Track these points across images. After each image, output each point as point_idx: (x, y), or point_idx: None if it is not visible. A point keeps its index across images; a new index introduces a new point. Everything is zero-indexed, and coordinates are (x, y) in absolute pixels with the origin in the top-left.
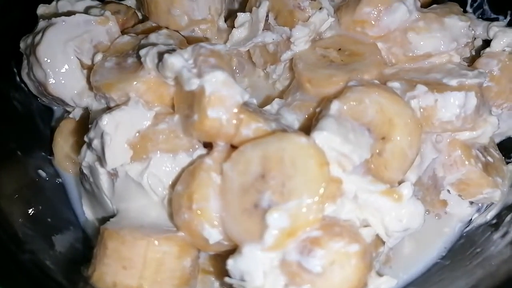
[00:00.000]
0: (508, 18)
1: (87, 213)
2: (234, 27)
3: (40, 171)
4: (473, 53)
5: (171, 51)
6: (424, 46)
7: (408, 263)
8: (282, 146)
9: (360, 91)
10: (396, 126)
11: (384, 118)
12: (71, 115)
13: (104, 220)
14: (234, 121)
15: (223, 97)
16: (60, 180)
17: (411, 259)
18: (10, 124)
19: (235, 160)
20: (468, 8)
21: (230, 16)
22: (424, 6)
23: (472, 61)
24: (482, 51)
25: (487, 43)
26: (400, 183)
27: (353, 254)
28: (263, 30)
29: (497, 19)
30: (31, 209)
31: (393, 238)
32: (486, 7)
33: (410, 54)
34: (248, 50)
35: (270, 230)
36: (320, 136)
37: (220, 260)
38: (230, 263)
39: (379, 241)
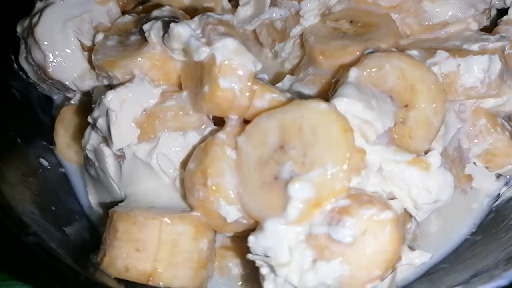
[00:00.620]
0: None
1: (93, 201)
2: (239, 5)
3: (42, 160)
4: (488, 23)
5: (176, 21)
6: (440, 14)
7: (436, 241)
8: (300, 114)
9: (380, 56)
10: (419, 92)
11: (406, 84)
12: (72, 101)
13: (112, 206)
14: (247, 93)
15: (235, 65)
16: (63, 169)
17: (439, 237)
18: (9, 113)
19: (250, 132)
20: None
21: None
22: None
23: (488, 31)
24: (499, 20)
25: (501, 13)
26: (426, 152)
27: (387, 222)
28: (269, 6)
29: None
30: (35, 197)
31: (422, 211)
32: None
33: (426, 23)
34: (254, 30)
35: (294, 202)
36: (341, 103)
37: (239, 242)
38: (252, 240)
39: (406, 216)
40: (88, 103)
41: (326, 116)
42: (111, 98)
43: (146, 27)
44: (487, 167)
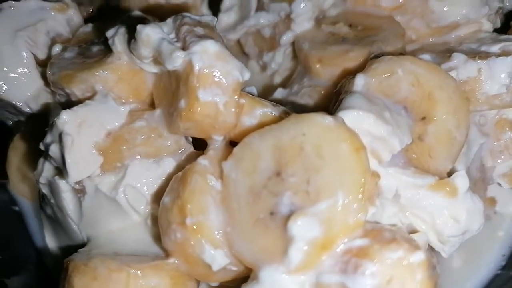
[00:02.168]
0: None
1: (51, 245)
2: (220, 12)
3: None
4: (499, 25)
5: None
6: (449, 14)
7: (460, 279)
8: (301, 131)
9: (390, 59)
10: (438, 101)
11: (423, 93)
12: (26, 127)
13: (71, 252)
14: (233, 108)
15: (218, 73)
16: (16, 207)
17: (464, 273)
18: None
19: (238, 156)
20: None
21: (214, 2)
22: None
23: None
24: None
25: (508, 17)
26: (449, 174)
27: (418, 266)
28: (255, 11)
29: None
30: None
31: (448, 245)
32: None
33: (434, 25)
34: (239, 41)
35: (296, 243)
36: (349, 115)
37: None
38: None
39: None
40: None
41: (334, 132)
42: (66, 119)
43: (109, 33)
44: None
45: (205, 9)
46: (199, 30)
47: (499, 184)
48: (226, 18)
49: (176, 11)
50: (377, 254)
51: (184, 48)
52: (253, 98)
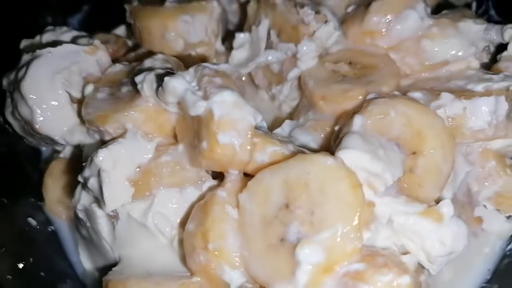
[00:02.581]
0: None
1: (85, 263)
2: (233, 49)
3: (30, 219)
4: (488, 59)
5: (170, 74)
6: (440, 53)
7: None
8: (306, 170)
9: (384, 103)
10: (427, 138)
11: (413, 131)
12: (61, 155)
13: (105, 269)
14: (249, 146)
15: (234, 119)
16: (52, 227)
17: (453, 286)
18: None
19: (252, 189)
20: None
21: (227, 37)
22: (433, 12)
23: (488, 68)
24: (498, 56)
25: (500, 48)
26: (437, 201)
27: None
28: (265, 49)
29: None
30: (21, 264)
31: (436, 264)
32: (492, 12)
33: (426, 63)
34: (249, 72)
35: (303, 266)
36: (348, 155)
37: None
38: None
39: (419, 267)
40: (79, 156)
41: (334, 172)
42: (103, 157)
43: (138, 79)
44: (498, 210)
45: (218, 45)
46: (218, 80)
47: (484, 206)
48: (238, 54)
49: (195, 50)
50: (370, 278)
51: (205, 98)
52: (265, 137)
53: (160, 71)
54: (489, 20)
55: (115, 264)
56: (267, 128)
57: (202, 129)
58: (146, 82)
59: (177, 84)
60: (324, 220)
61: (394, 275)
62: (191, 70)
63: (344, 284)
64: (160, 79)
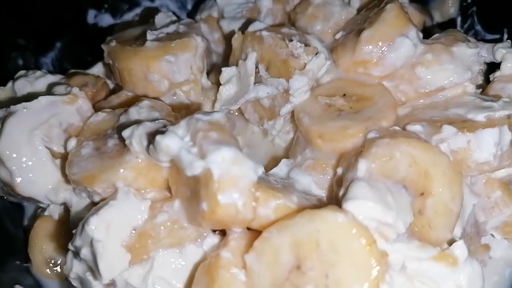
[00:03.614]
0: (506, 36)
1: None
2: (221, 84)
3: (17, 287)
4: (482, 80)
5: (161, 129)
6: (436, 80)
7: None
8: (315, 228)
9: (388, 144)
10: (433, 178)
11: (419, 171)
12: (46, 213)
13: None
14: (253, 203)
15: (235, 177)
16: None
17: None
18: None
19: (259, 250)
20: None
21: (212, 69)
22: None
23: (482, 87)
24: (491, 76)
25: (490, 67)
26: (449, 242)
27: None
28: (254, 84)
29: (492, 40)
30: None
31: None
32: (478, 27)
33: (422, 91)
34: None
35: None
36: (358, 208)
37: None
38: None
39: None
40: (65, 214)
41: (345, 229)
42: (95, 226)
43: (125, 134)
44: (506, 238)
45: (204, 80)
46: (213, 135)
47: (492, 235)
48: (226, 90)
49: (181, 89)
50: None
51: (201, 155)
52: (267, 191)
53: (149, 124)
54: (476, 35)
55: None
56: (265, 173)
57: (200, 189)
58: (135, 138)
59: (170, 143)
60: (340, 282)
61: None
62: (183, 123)
63: None
64: (150, 136)
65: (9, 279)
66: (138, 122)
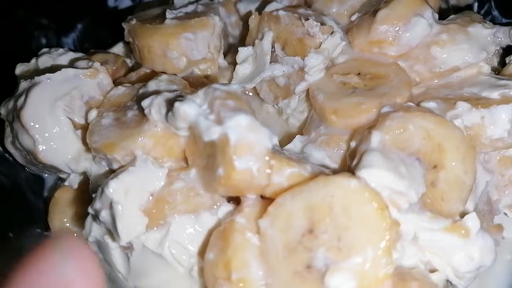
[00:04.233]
0: None
1: None
2: (237, 64)
3: None
4: (497, 63)
5: (179, 97)
6: (451, 60)
7: None
8: (329, 193)
9: (402, 117)
10: (447, 151)
11: (433, 144)
12: (66, 183)
13: None
14: (267, 170)
15: (251, 143)
16: None
17: None
18: None
19: (273, 215)
20: None
21: (228, 51)
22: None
23: (497, 71)
24: (507, 58)
25: (507, 50)
26: (461, 214)
27: None
28: (270, 63)
29: (509, 24)
30: None
31: (464, 280)
32: (495, 12)
33: (437, 70)
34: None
35: None
36: (370, 175)
37: None
38: None
39: (447, 285)
40: (85, 183)
41: (358, 194)
42: (114, 189)
43: (145, 103)
44: None
45: (221, 60)
46: (230, 103)
47: (505, 214)
48: (243, 69)
49: (198, 67)
50: None
51: (218, 122)
52: (281, 159)
53: (167, 94)
54: (493, 20)
55: None
56: (279, 147)
57: (217, 155)
58: (154, 107)
59: (188, 110)
60: (352, 245)
61: None
62: (201, 93)
63: None
64: (169, 104)
65: (29, 244)
66: (157, 93)
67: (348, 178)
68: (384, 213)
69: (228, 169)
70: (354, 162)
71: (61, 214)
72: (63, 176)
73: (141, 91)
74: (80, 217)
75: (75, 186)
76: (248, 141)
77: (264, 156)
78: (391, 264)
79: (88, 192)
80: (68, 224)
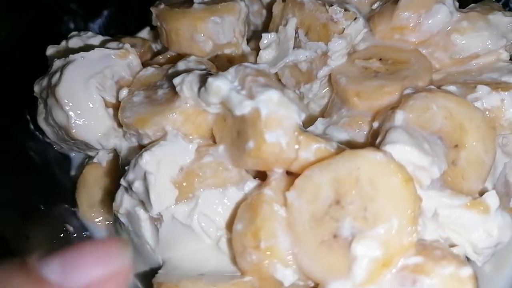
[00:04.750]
0: None
1: None
2: (260, 49)
3: (68, 226)
4: None
5: (211, 74)
6: (470, 47)
7: (491, 282)
8: (356, 166)
9: (425, 97)
10: (468, 131)
11: (455, 124)
12: (95, 160)
13: (145, 274)
14: (296, 145)
15: (281, 118)
16: (87, 233)
17: (493, 277)
18: (29, 177)
19: (301, 187)
20: None
21: (251, 39)
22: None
23: None
24: None
25: None
26: (480, 193)
27: (468, 280)
28: (293, 48)
29: None
30: None
31: (483, 256)
32: None
33: (457, 57)
34: (276, 72)
35: (360, 262)
36: (395, 150)
37: None
38: None
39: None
40: (113, 161)
41: (384, 166)
42: (147, 160)
43: (176, 81)
44: None
45: (244, 45)
46: (261, 79)
47: None
48: (266, 54)
49: (222, 51)
50: (432, 270)
51: (250, 97)
52: (309, 135)
53: (198, 71)
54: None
55: (157, 268)
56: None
57: (247, 129)
58: (185, 84)
59: (221, 84)
60: (378, 215)
61: (455, 267)
62: (232, 70)
63: (402, 278)
64: (201, 80)
65: (60, 219)
66: (187, 71)
67: (374, 151)
68: (409, 185)
69: (258, 141)
70: (378, 140)
71: (89, 190)
72: (91, 154)
73: (170, 70)
74: (108, 194)
75: (104, 164)
76: (278, 116)
77: (293, 131)
78: (416, 232)
79: (116, 169)
80: (95, 201)
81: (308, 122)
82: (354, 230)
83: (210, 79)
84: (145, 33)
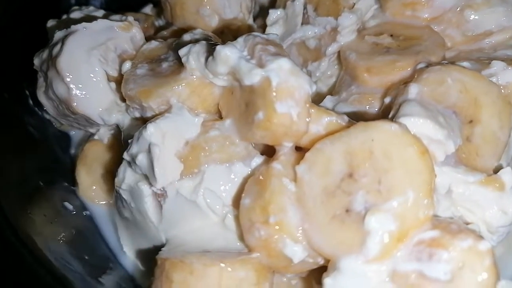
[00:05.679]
0: None
1: (126, 246)
2: (267, 26)
3: (67, 204)
4: None
5: (218, 44)
6: (484, 23)
7: (502, 264)
8: (369, 137)
9: (439, 70)
10: (483, 106)
11: (470, 98)
12: (96, 137)
13: (148, 252)
14: (307, 118)
15: (292, 87)
16: (87, 212)
17: (505, 259)
18: (28, 153)
19: (312, 160)
20: None
21: (257, 17)
22: None
23: None
24: None
25: None
26: (495, 171)
27: (486, 253)
28: (301, 24)
29: None
30: (67, 247)
31: (497, 235)
32: None
33: (470, 34)
34: None
35: (374, 236)
36: (410, 123)
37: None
38: (328, 282)
39: None
40: (115, 138)
41: (400, 137)
42: (152, 131)
43: (182, 51)
44: None
45: (251, 22)
46: (271, 48)
47: None
48: (273, 31)
49: (228, 27)
50: (449, 244)
51: (260, 65)
52: (320, 108)
53: (205, 42)
54: None
55: (160, 246)
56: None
57: (257, 99)
58: (192, 54)
59: (230, 53)
60: (393, 187)
61: (473, 240)
62: (240, 39)
63: (418, 252)
64: (208, 50)
65: (60, 196)
66: (194, 42)
67: (389, 122)
68: (426, 156)
69: (268, 112)
70: (391, 115)
71: (89, 168)
72: (92, 130)
73: (176, 43)
74: (109, 172)
75: (105, 140)
76: (289, 85)
77: (305, 102)
78: (432, 206)
79: (118, 147)
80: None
81: (316, 101)
82: (367, 203)
83: (219, 47)
84: (147, 9)
